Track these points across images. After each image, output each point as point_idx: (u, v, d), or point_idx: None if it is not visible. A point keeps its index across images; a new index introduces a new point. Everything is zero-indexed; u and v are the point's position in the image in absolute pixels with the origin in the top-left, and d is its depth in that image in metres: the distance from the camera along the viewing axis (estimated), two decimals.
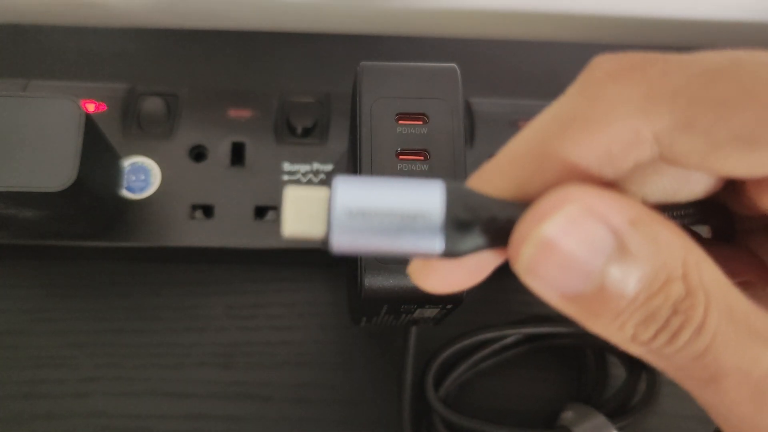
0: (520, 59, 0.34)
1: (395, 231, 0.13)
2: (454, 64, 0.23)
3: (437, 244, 0.13)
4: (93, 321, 0.29)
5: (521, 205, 0.14)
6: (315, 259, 0.29)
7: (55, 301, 0.29)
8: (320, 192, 0.13)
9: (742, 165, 0.13)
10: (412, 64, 0.23)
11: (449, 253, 0.13)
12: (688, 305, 0.13)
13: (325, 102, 0.30)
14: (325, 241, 0.13)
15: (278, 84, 0.32)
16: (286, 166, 0.29)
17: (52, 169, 0.23)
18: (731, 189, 0.16)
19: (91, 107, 0.29)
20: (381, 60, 0.23)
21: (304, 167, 0.29)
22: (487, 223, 0.13)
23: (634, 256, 0.13)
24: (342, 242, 0.13)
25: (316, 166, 0.29)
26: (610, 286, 0.13)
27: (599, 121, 0.14)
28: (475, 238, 0.13)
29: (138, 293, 0.29)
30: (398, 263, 0.21)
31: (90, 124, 0.24)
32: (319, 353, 0.29)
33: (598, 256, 0.13)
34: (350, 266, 0.24)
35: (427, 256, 0.14)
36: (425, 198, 0.13)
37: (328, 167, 0.29)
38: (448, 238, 0.13)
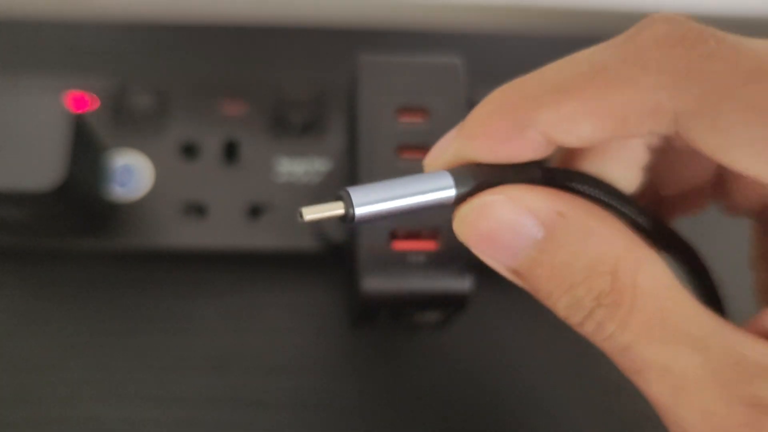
0: (524, 54, 0.33)
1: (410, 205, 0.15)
2: (456, 58, 0.23)
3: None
4: (82, 324, 0.28)
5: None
6: (312, 260, 0.28)
7: (43, 303, 0.28)
8: (336, 210, 0.15)
9: (756, 167, 0.13)
10: (412, 57, 0.23)
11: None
12: (612, 301, 0.14)
13: (323, 97, 0.29)
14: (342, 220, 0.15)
15: (274, 79, 0.31)
16: (283, 164, 0.28)
17: (41, 168, 0.23)
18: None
19: (81, 104, 0.28)
20: (381, 54, 0.23)
21: (301, 164, 0.28)
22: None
23: (557, 244, 0.14)
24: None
25: (313, 162, 0.28)
26: (536, 269, 0.15)
27: (626, 80, 0.14)
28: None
29: (128, 295, 0.29)
30: (398, 265, 0.21)
31: (79, 121, 0.24)
32: (316, 358, 0.28)
33: (521, 240, 0.15)
34: (349, 268, 0.24)
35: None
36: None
37: (327, 164, 0.28)
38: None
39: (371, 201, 0.15)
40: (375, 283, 0.21)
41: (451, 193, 0.15)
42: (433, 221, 0.21)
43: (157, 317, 0.28)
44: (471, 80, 0.23)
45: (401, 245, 0.21)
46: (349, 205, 0.15)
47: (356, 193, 0.14)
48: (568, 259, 0.14)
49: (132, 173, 0.28)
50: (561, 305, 0.15)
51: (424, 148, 0.21)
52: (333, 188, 0.27)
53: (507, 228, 0.15)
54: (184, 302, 0.29)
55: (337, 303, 0.29)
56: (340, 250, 0.26)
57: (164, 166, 0.28)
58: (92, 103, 0.28)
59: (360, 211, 0.14)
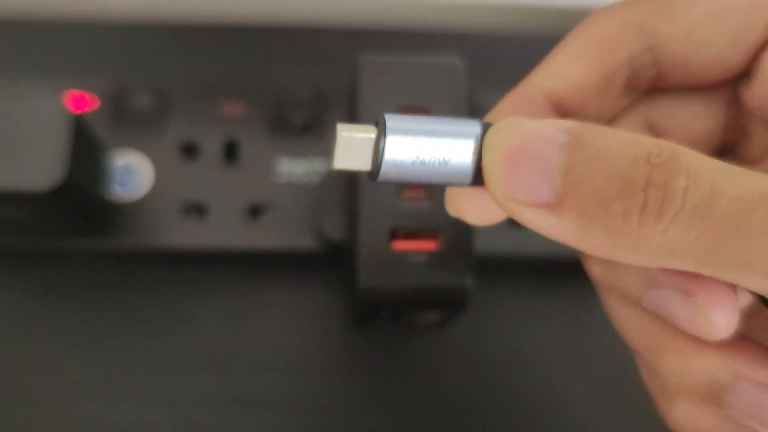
0: (524, 54, 0.33)
1: (434, 169, 0.15)
2: (456, 58, 0.23)
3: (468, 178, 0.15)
4: (82, 324, 0.28)
5: None
6: (312, 260, 0.28)
7: (42, 303, 0.28)
8: (369, 133, 0.15)
9: (721, 40, 0.16)
10: (413, 58, 0.23)
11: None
12: (667, 157, 0.13)
13: (323, 97, 0.29)
14: (372, 174, 0.15)
15: (274, 79, 0.31)
16: (283, 164, 0.28)
17: (40, 168, 0.23)
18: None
19: (81, 104, 0.28)
20: (381, 54, 0.23)
21: (301, 164, 0.28)
22: None
23: (589, 138, 0.13)
24: (386, 177, 0.15)
25: (313, 162, 0.28)
26: (575, 169, 0.13)
27: (597, 17, 0.18)
28: None
29: (128, 295, 0.28)
30: (398, 265, 0.21)
31: (79, 121, 0.24)
32: (316, 358, 0.28)
33: (554, 145, 0.14)
34: (349, 268, 0.24)
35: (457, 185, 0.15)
36: (462, 143, 0.15)
37: (327, 164, 0.28)
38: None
39: (404, 130, 0.14)
40: (375, 283, 0.21)
41: (477, 132, 0.15)
42: (433, 221, 0.21)
43: (157, 317, 0.28)
44: (471, 80, 0.23)
45: (401, 245, 0.21)
46: (382, 130, 0.14)
47: (391, 119, 0.14)
48: (606, 144, 0.13)
49: (132, 173, 0.28)
50: (613, 199, 0.13)
51: None
52: (333, 188, 0.27)
53: (536, 137, 0.14)
54: (184, 302, 0.28)
55: (337, 303, 0.29)
56: (340, 250, 0.26)
57: (164, 166, 0.28)
58: (92, 103, 0.28)
59: (391, 138, 0.14)
